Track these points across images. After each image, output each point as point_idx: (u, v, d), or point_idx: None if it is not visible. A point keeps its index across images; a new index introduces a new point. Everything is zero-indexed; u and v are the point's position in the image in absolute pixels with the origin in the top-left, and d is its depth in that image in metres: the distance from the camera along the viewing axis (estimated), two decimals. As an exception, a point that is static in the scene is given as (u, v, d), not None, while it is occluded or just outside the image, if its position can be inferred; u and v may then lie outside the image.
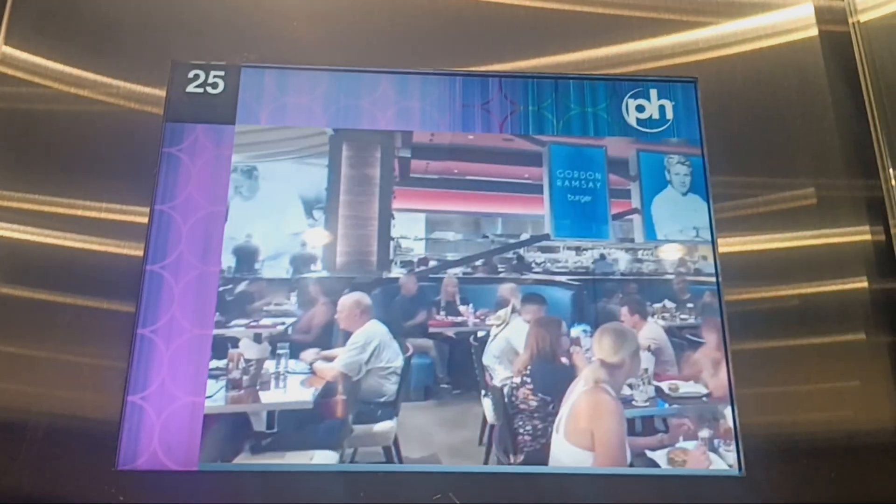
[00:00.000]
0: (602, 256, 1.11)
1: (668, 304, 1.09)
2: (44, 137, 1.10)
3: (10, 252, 1.04)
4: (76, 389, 0.99)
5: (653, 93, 1.18)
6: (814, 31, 1.23)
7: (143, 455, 0.96)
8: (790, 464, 1.00)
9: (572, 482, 0.99)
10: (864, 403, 1.03)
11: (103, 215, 1.06)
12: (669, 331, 1.08)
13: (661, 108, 1.18)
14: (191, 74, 1.15)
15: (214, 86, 1.15)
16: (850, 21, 1.21)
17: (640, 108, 1.17)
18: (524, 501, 0.98)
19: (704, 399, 1.04)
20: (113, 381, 0.99)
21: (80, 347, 1.00)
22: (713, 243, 1.11)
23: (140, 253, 1.05)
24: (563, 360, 1.06)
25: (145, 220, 1.06)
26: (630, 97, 1.18)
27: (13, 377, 0.99)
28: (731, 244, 1.10)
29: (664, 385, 1.06)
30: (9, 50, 1.14)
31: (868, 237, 1.11)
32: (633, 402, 1.05)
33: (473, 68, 1.18)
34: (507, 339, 1.08)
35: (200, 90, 1.14)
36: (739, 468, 1.00)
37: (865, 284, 1.09)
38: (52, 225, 1.05)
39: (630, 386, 1.05)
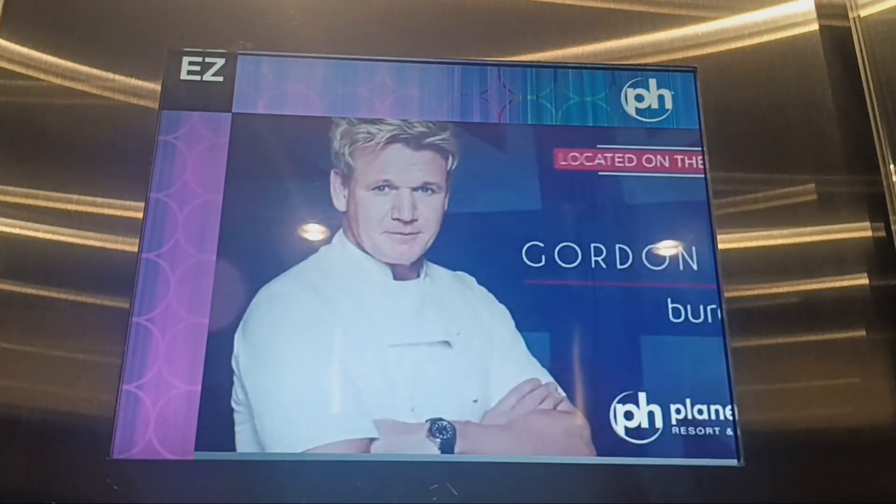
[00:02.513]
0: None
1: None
2: (38, 130, 1.11)
3: (4, 246, 1.05)
4: (71, 380, 0.99)
5: (652, 82, 1.20)
6: (814, 26, 1.24)
7: (139, 444, 0.97)
8: (790, 460, 1.01)
9: (562, 472, 0.99)
10: (865, 400, 1.04)
11: (99, 209, 1.07)
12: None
13: (661, 97, 1.19)
14: (187, 62, 1.16)
15: (211, 74, 1.16)
16: (850, 16, 1.22)
17: (639, 98, 1.19)
18: (515, 497, 0.98)
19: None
20: (108, 371, 1.00)
21: (75, 339, 1.01)
22: (713, 240, 1.11)
23: (135, 246, 1.06)
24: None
25: (141, 214, 1.07)
26: (629, 86, 1.19)
27: (6, 371, 0.99)
28: (730, 240, 1.11)
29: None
30: (3, 42, 1.15)
31: (869, 233, 1.12)
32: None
33: (472, 58, 1.20)
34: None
35: (197, 78, 1.15)
36: (738, 459, 1.01)
37: (866, 281, 1.09)
38: (46, 219, 1.06)
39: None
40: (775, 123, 1.17)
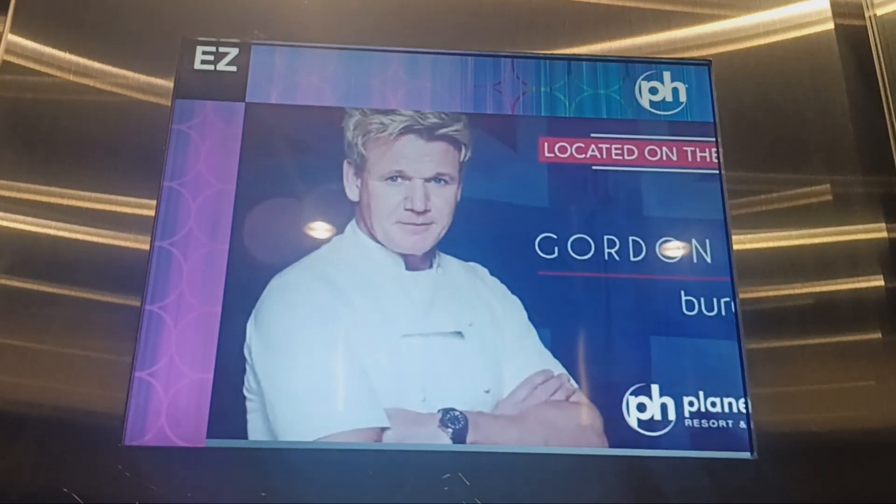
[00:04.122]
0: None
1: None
2: (51, 123, 1.13)
3: (18, 243, 1.08)
4: (83, 368, 1.02)
5: (666, 75, 1.22)
6: (829, 25, 1.25)
7: (151, 431, 1.00)
8: (803, 454, 1.03)
9: (574, 463, 1.02)
10: (880, 403, 1.05)
11: (111, 206, 1.10)
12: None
13: (675, 90, 1.22)
14: (200, 52, 1.19)
15: (225, 63, 1.19)
16: (866, 15, 1.25)
17: (653, 91, 1.21)
18: (526, 488, 1.00)
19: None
20: (121, 359, 1.02)
21: (88, 327, 1.04)
22: (727, 239, 1.14)
23: (148, 237, 1.08)
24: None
25: (153, 207, 1.10)
26: (643, 79, 1.22)
27: (21, 361, 1.02)
28: (743, 241, 1.13)
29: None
30: (14, 38, 1.17)
31: (884, 234, 1.13)
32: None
33: (485, 50, 1.23)
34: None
35: (210, 68, 1.18)
36: (752, 452, 1.03)
37: (881, 283, 1.10)
38: (58, 215, 1.09)
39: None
40: (790, 123, 1.19)
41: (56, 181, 1.10)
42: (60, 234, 1.08)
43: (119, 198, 1.10)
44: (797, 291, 1.11)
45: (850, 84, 1.21)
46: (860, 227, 1.14)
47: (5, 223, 1.08)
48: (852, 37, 1.24)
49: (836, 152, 1.18)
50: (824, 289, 1.11)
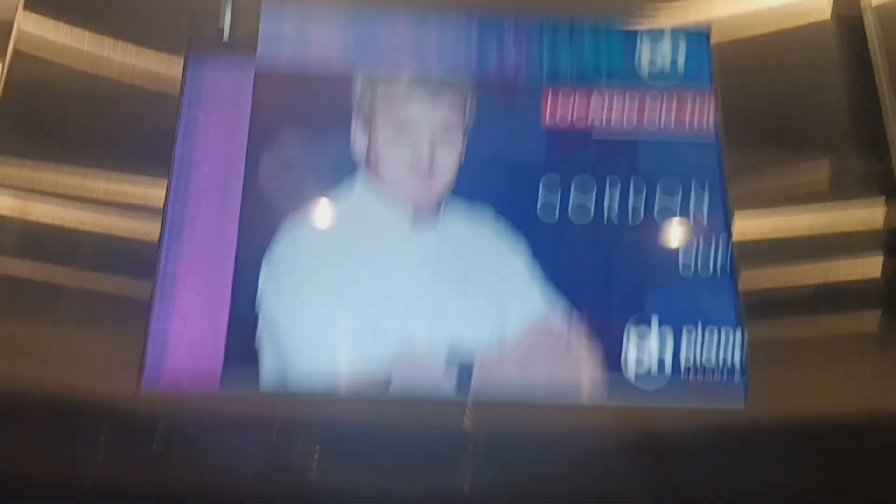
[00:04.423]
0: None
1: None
2: (63, 102, 1.16)
3: (36, 226, 1.10)
4: (100, 317, 1.05)
5: (666, 41, 1.26)
6: (826, 14, 1.28)
7: (167, 379, 1.04)
8: (799, 455, 1.05)
9: (574, 414, 1.06)
10: (877, 392, 1.07)
11: (123, 177, 1.12)
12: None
13: (674, 58, 1.25)
14: (211, 16, 1.23)
15: (235, 28, 1.23)
16: (862, 4, 1.26)
17: (653, 57, 1.25)
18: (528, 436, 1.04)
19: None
20: (137, 308, 1.06)
21: (103, 278, 1.07)
22: (728, 223, 1.17)
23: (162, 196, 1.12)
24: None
25: (166, 173, 1.13)
26: (644, 45, 1.26)
27: (41, 305, 1.05)
28: (742, 226, 1.16)
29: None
30: (27, 15, 1.19)
31: (881, 224, 1.15)
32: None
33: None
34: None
35: (220, 33, 1.22)
36: (745, 405, 1.07)
37: (879, 272, 1.12)
38: (73, 185, 1.11)
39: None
40: (788, 108, 1.22)
41: (68, 156, 1.12)
42: (76, 202, 1.11)
43: (132, 168, 1.13)
44: (794, 278, 1.13)
45: (847, 72, 1.23)
46: (859, 214, 1.16)
47: (24, 202, 1.10)
48: (849, 26, 1.26)
49: (833, 140, 1.19)
50: (822, 276, 1.13)
